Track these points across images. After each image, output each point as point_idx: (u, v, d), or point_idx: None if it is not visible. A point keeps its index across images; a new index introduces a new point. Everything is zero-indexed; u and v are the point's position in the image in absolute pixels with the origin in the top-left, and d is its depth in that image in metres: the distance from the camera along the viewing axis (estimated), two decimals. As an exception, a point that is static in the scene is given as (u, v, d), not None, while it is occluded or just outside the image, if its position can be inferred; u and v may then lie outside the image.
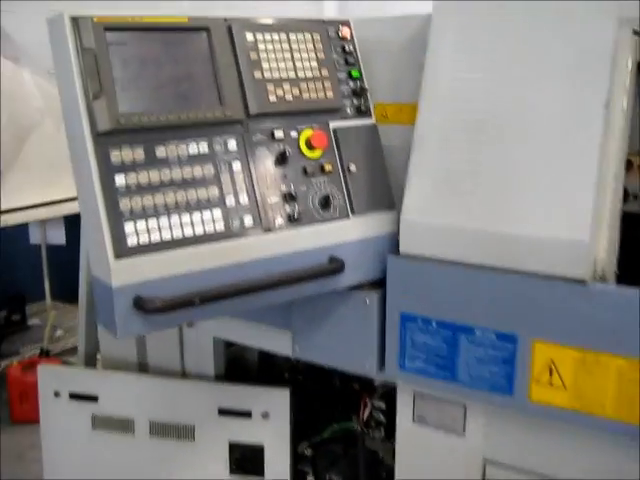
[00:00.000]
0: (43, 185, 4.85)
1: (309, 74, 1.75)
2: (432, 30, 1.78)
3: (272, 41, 1.71)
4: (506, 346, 1.60)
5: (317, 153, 1.73)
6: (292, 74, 1.72)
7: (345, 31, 1.86)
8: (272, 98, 1.68)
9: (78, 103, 1.47)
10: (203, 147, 1.58)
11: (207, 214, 1.55)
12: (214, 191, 1.57)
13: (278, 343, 2.04)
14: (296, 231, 1.66)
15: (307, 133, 1.72)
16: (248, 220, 1.60)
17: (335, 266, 1.70)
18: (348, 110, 1.82)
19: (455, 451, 1.79)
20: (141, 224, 1.47)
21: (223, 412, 2.27)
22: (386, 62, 1.97)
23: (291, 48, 1.74)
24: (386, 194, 1.83)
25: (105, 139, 1.47)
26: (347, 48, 1.85)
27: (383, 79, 1.96)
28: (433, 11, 1.79)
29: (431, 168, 1.70)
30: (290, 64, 1.73)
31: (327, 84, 1.77)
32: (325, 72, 1.78)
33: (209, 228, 1.55)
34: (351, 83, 1.84)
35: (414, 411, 1.84)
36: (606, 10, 1.58)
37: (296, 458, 2.29)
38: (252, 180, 1.62)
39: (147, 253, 1.47)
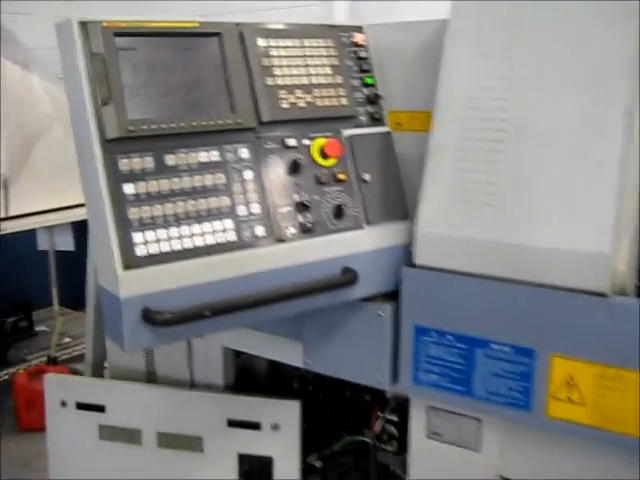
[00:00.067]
0: (51, 191, 4.84)
1: (322, 81, 1.72)
2: (448, 34, 1.74)
3: (285, 47, 1.69)
4: (523, 360, 1.57)
5: (330, 162, 1.70)
6: (305, 81, 1.70)
7: (358, 37, 1.83)
8: (284, 105, 1.65)
9: (86, 109, 1.44)
10: (214, 155, 1.55)
11: (218, 224, 1.52)
12: (225, 200, 1.54)
13: (289, 354, 2.01)
14: (309, 241, 1.63)
15: (320, 141, 1.70)
16: (260, 230, 1.57)
17: (348, 277, 1.66)
18: (362, 118, 1.79)
19: (469, 467, 1.76)
20: (150, 234, 1.44)
21: (232, 423, 2.23)
22: (400, 68, 1.94)
23: (304, 54, 1.71)
24: (400, 204, 1.80)
25: (114, 147, 1.45)
26: (361, 54, 1.82)
27: (397, 86, 1.93)
28: (450, 13, 1.76)
29: (447, 178, 1.67)
30: (303, 70, 1.70)
31: (340, 91, 1.74)
32: (338, 79, 1.75)
33: (220, 238, 1.52)
34: (365, 90, 1.81)
35: (428, 425, 1.81)
36: (627, 17, 1.54)
37: (306, 469, 2.25)
38: (264, 189, 1.60)
39: (156, 264, 1.44)
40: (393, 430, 2.04)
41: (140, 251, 1.43)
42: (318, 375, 2.00)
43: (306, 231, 1.63)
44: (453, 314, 1.65)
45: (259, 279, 1.55)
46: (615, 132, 1.51)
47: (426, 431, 1.81)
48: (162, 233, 1.45)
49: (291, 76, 1.67)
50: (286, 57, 1.68)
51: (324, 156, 1.69)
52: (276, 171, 1.63)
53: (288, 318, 1.79)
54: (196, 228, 1.49)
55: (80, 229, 5.14)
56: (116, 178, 1.43)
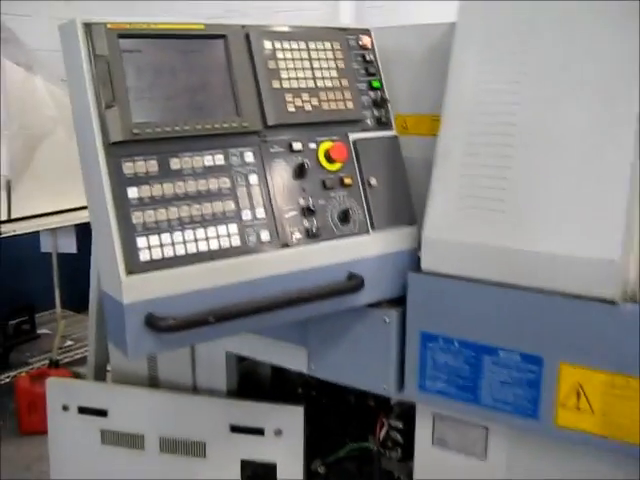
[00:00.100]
0: (54, 193, 4.84)
1: (329, 84, 1.70)
2: (456, 37, 1.72)
3: (291, 50, 1.67)
4: (531, 368, 1.55)
5: (336, 166, 1.68)
6: (311, 84, 1.68)
7: (366, 40, 1.81)
8: (290, 108, 1.63)
9: (90, 112, 1.42)
10: (219, 159, 1.53)
11: (222, 229, 1.50)
12: (230, 205, 1.52)
13: (293, 359, 1.99)
14: (314, 247, 1.61)
15: (326, 145, 1.67)
16: (265, 235, 1.55)
17: (354, 283, 1.65)
18: (368, 121, 1.77)
19: (476, 475, 1.74)
20: (154, 239, 1.42)
21: (235, 429, 2.21)
22: (406, 72, 1.92)
23: (310, 57, 1.69)
24: (407, 209, 1.77)
25: (117, 150, 1.42)
26: (368, 57, 1.80)
27: (403, 89, 1.91)
28: (457, 14, 1.74)
29: (455, 183, 1.65)
30: (309, 73, 1.68)
31: (347, 94, 1.72)
32: (345, 82, 1.73)
33: (224, 243, 1.50)
34: (371, 93, 1.79)
35: (433, 433, 1.79)
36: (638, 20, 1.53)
37: (309, 475, 2.23)
38: (269, 193, 1.58)
39: (160, 269, 1.42)
40: (398, 437, 2.02)
41: (144, 256, 1.41)
42: (322, 380, 1.99)
43: (311, 236, 1.61)
44: (460, 321, 1.63)
45: (264, 285, 1.54)
46: (627, 137, 1.49)
47: (432, 439, 1.79)
48: (166, 238, 1.43)
49: (297, 79, 1.65)
50: (292, 60, 1.66)
51: (330, 160, 1.67)
52: (281, 175, 1.61)
53: (292, 323, 1.78)
54: (200, 233, 1.47)
55: (83, 231, 5.13)
56: (120, 182, 1.41)
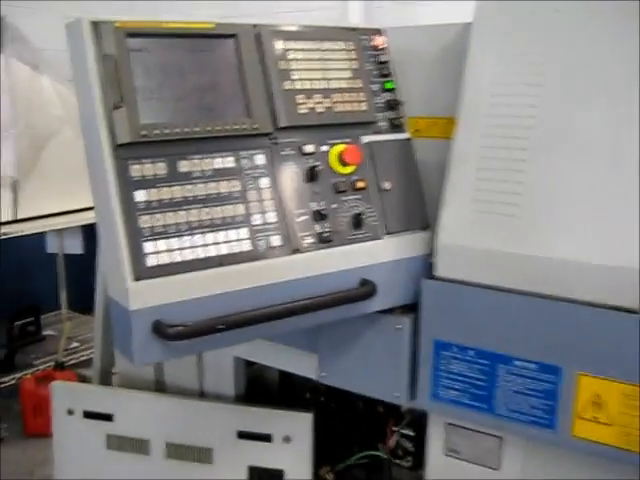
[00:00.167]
0: (61, 194, 4.82)
1: (341, 85, 1.67)
2: (472, 38, 1.69)
3: (303, 50, 1.63)
4: (548, 378, 1.52)
5: (349, 169, 1.65)
6: (323, 85, 1.64)
7: (379, 40, 1.77)
8: (302, 110, 1.60)
9: (97, 113, 1.39)
10: (229, 161, 1.50)
11: (232, 233, 1.47)
12: (240, 209, 1.49)
13: (303, 366, 1.97)
14: (326, 252, 1.58)
15: (339, 148, 1.64)
16: (275, 240, 1.52)
17: (367, 290, 1.61)
18: (382, 124, 1.74)
19: (489, 485, 1.71)
20: (162, 243, 1.40)
21: (243, 435, 2.19)
22: (419, 73, 1.90)
23: (322, 58, 1.66)
24: (420, 213, 1.74)
25: (125, 152, 1.40)
26: (381, 58, 1.77)
27: (416, 91, 1.88)
28: (474, 14, 1.70)
29: (470, 187, 1.62)
30: (321, 74, 1.65)
31: (360, 96, 1.69)
32: (358, 83, 1.69)
33: (234, 248, 1.47)
34: (385, 95, 1.76)
35: (446, 442, 1.76)
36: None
37: (317, 483, 2.21)
38: (280, 197, 1.55)
39: (168, 274, 1.39)
40: (408, 445, 2.00)
41: (151, 261, 1.38)
42: (331, 386, 1.96)
43: (323, 241, 1.58)
44: (475, 329, 1.60)
45: (274, 291, 1.51)
46: (647, 142, 1.46)
47: (444, 448, 1.77)
48: (174, 242, 1.41)
49: (309, 80, 1.62)
50: (304, 60, 1.63)
51: (343, 163, 1.64)
52: (293, 178, 1.58)
53: (302, 329, 1.75)
54: (210, 237, 1.44)
55: (89, 232, 5.13)
56: (127, 185, 1.38)
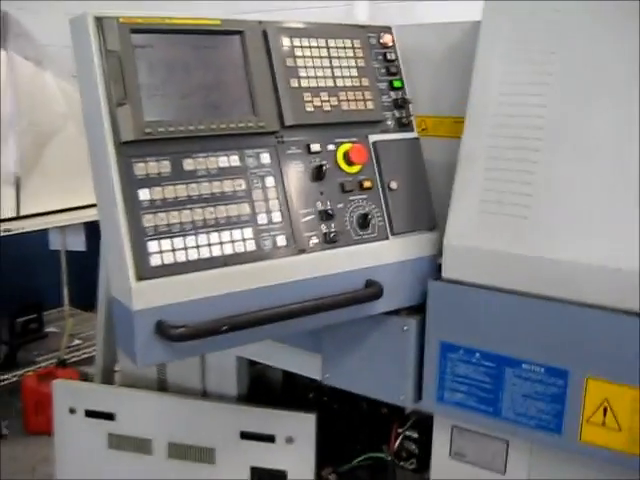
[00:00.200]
0: (64, 191, 4.81)
1: (348, 83, 1.65)
2: (481, 36, 1.67)
3: (310, 47, 1.61)
4: (556, 382, 1.50)
5: (356, 168, 1.63)
6: (330, 83, 1.62)
7: (387, 38, 1.75)
8: (309, 108, 1.58)
9: (100, 110, 1.37)
10: (234, 160, 1.48)
11: (237, 233, 1.45)
12: (245, 208, 1.47)
13: (307, 366, 1.95)
14: (332, 252, 1.56)
15: (345, 147, 1.62)
16: (281, 240, 1.50)
17: (373, 291, 1.60)
18: (389, 122, 1.72)
19: (494, 489, 1.69)
20: (166, 243, 1.37)
21: (245, 435, 2.18)
22: (426, 71, 1.88)
23: (330, 55, 1.64)
24: (428, 214, 1.73)
25: (129, 150, 1.38)
26: (389, 56, 1.75)
27: (423, 89, 1.87)
28: (483, 13, 1.68)
29: (478, 188, 1.59)
30: (328, 72, 1.63)
31: (367, 94, 1.67)
32: (365, 81, 1.67)
33: (239, 248, 1.45)
34: (392, 94, 1.74)
35: (451, 445, 1.74)
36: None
37: (320, 484, 2.20)
38: (286, 196, 1.53)
39: (172, 274, 1.37)
40: (413, 447, 1.98)
41: (155, 261, 1.36)
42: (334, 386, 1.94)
43: (329, 241, 1.56)
44: (482, 331, 1.58)
45: (279, 292, 1.49)
46: (658, 144, 1.44)
47: (449, 451, 1.75)
48: (178, 242, 1.38)
49: (316, 78, 1.60)
50: (311, 58, 1.61)
51: (349, 162, 1.62)
52: (299, 177, 1.56)
53: (307, 330, 1.74)
54: (214, 237, 1.42)
55: (92, 229, 5.11)
56: (131, 183, 1.36)
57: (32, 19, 4.58)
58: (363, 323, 1.72)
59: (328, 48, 1.64)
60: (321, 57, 1.62)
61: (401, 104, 1.74)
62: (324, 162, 1.58)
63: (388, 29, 1.77)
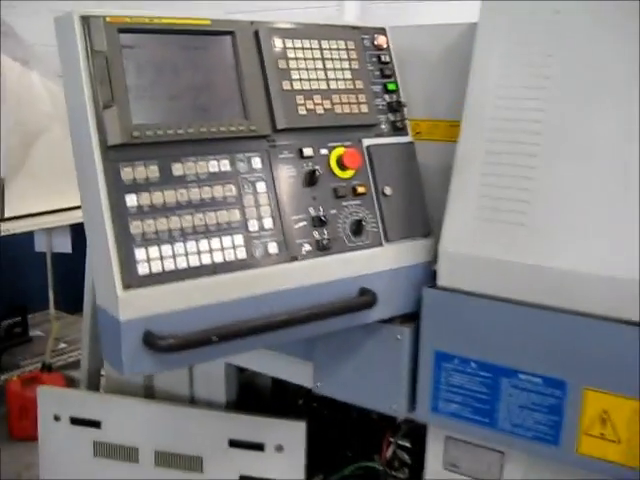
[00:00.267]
0: (49, 192, 4.77)
1: (342, 86, 1.62)
2: (478, 39, 1.65)
3: (302, 49, 1.59)
4: (553, 393, 1.48)
5: (349, 173, 1.60)
6: (323, 85, 1.60)
7: (381, 39, 1.73)
8: (301, 111, 1.55)
9: (86, 112, 1.34)
10: (224, 165, 1.45)
11: (227, 240, 1.42)
12: (236, 214, 1.44)
13: (298, 374, 1.92)
14: (325, 260, 1.54)
15: (339, 151, 1.60)
16: (272, 247, 1.47)
17: (367, 299, 1.57)
18: (383, 126, 1.69)
19: (489, 501, 1.67)
20: (154, 250, 1.34)
21: (234, 444, 2.16)
22: (421, 74, 1.86)
23: (323, 57, 1.61)
24: (422, 220, 1.70)
25: (116, 154, 1.34)
26: (383, 58, 1.72)
27: (417, 92, 1.84)
28: (479, 14, 1.66)
29: (474, 193, 1.57)
30: (321, 74, 1.60)
31: (361, 97, 1.64)
32: (359, 84, 1.65)
33: (229, 256, 1.42)
34: (387, 97, 1.71)
35: (445, 456, 1.72)
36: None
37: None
38: (277, 202, 1.50)
39: (160, 283, 1.34)
40: (405, 457, 1.96)
41: (142, 269, 1.32)
42: (324, 394, 1.92)
43: (322, 248, 1.53)
44: (478, 340, 1.56)
45: (271, 300, 1.46)
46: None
47: (443, 462, 1.73)
48: (167, 249, 1.35)
49: (309, 80, 1.57)
50: (304, 59, 1.58)
51: (342, 167, 1.59)
52: (291, 183, 1.53)
53: (298, 338, 1.71)
54: (204, 244, 1.39)
55: (78, 231, 5.05)
56: (118, 188, 1.33)
57: (18, 17, 4.53)
58: (356, 331, 1.69)
59: (321, 50, 1.61)
60: (314, 59, 1.60)
61: (396, 107, 1.72)
62: (317, 167, 1.56)
63: (382, 30, 1.75)
